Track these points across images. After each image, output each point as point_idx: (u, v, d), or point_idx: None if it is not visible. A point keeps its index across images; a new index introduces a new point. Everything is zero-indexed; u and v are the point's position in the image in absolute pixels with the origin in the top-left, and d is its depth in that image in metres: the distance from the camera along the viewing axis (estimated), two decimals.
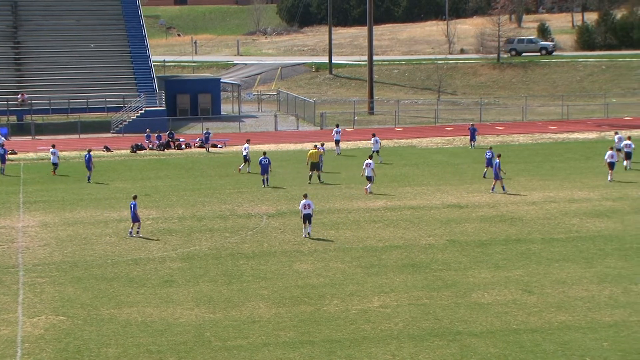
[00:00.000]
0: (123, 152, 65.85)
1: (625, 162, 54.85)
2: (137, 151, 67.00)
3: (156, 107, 79.60)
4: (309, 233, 39.09)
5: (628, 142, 55.40)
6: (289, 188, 50.51)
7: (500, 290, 31.08)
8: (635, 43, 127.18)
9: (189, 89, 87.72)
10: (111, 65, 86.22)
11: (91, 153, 53.94)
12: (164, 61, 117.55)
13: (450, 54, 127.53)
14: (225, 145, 68.52)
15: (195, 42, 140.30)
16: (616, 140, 57.59)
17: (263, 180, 51.63)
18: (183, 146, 68.79)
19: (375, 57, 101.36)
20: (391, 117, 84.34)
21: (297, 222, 41.79)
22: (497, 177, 47.84)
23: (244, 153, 56.28)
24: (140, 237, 39.52)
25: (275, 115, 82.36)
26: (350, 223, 41.72)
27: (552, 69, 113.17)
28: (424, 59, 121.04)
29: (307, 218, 38.74)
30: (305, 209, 38.59)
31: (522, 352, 25.43)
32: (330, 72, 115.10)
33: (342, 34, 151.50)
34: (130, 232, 39.92)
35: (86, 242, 38.83)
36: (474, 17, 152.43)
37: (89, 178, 53.49)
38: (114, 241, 38.99)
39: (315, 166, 52.14)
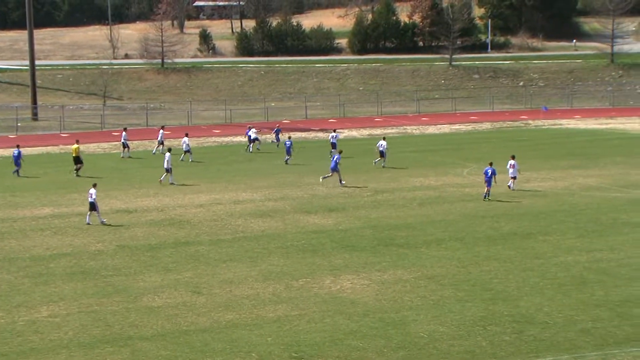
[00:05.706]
0: None
1: (378, 160, 59.35)
2: None
3: None
4: None
5: (383, 142, 59.14)
6: None
7: (170, 293, 31.65)
8: (289, 49, 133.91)
9: None
10: None
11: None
12: None
13: (114, 58, 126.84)
14: None
15: None
16: (330, 138, 63.95)
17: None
18: None
19: (37, 62, 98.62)
20: (57, 123, 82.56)
21: None
22: (335, 169, 51.37)
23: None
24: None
25: None
26: (15, 232, 40.57)
27: (215, 74, 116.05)
28: (89, 64, 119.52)
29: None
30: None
31: (192, 353, 26.12)
32: None
33: (2, 37, 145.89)
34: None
35: None
36: (137, 22, 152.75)
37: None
38: None
39: (77, 160, 56.24)
